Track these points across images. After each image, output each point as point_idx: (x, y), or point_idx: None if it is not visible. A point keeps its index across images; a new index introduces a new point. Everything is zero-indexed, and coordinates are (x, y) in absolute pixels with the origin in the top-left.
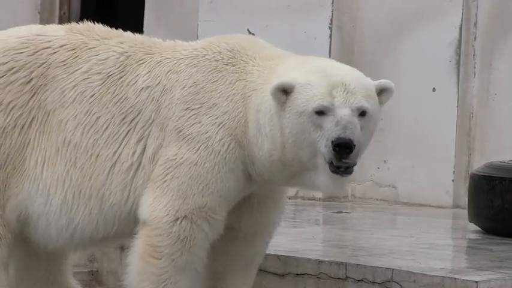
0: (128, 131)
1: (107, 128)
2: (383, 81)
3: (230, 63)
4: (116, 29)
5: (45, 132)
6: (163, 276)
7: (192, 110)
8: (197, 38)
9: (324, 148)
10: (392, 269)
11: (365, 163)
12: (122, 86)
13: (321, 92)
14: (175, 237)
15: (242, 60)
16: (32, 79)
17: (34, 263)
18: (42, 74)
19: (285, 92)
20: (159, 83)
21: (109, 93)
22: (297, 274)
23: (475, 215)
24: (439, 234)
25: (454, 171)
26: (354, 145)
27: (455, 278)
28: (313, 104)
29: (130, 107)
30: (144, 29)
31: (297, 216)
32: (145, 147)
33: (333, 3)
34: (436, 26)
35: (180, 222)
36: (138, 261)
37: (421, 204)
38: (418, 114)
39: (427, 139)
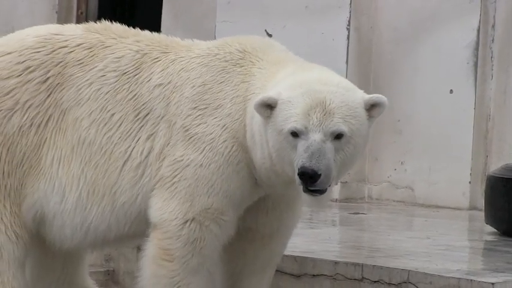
0: (140, 128)
1: (120, 124)
2: (374, 96)
3: (238, 64)
4: (134, 28)
5: (61, 130)
6: (175, 279)
7: (199, 110)
8: (215, 39)
9: (295, 171)
10: (409, 271)
11: (382, 164)
12: (136, 84)
13: (297, 113)
14: (185, 240)
15: (250, 62)
16: (48, 78)
17: (50, 263)
18: (58, 73)
19: (269, 106)
20: (170, 81)
21: (124, 90)
22: (314, 275)
23: (492, 217)
24: (455, 235)
25: (470, 173)
26: (319, 174)
27: (471, 280)
28: (289, 125)
29: (143, 104)
30: (162, 29)
31: (314, 217)
32: (153, 145)
33: (350, 4)
34: (454, 27)
35: (189, 225)
36: (150, 264)
37: (438, 206)
38: (435, 116)
39: (444, 141)
